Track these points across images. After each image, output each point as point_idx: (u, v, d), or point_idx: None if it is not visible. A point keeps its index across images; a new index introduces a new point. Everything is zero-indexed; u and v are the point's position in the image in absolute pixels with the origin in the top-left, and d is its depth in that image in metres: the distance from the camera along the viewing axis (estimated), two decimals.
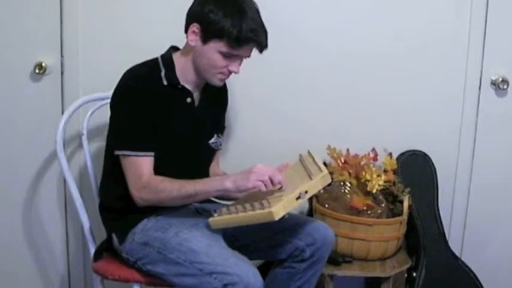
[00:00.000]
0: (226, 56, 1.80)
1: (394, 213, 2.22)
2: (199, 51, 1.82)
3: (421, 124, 2.40)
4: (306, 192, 1.70)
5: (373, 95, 2.37)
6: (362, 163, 2.25)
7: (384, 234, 2.16)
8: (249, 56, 1.85)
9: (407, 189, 2.23)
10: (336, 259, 2.13)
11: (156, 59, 1.89)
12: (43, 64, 2.25)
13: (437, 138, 2.41)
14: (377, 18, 2.32)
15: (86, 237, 2.06)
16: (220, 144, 2.04)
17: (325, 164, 2.19)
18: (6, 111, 2.32)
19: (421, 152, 2.38)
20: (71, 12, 2.24)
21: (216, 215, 1.80)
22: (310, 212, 2.29)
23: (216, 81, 1.88)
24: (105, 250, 1.94)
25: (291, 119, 2.37)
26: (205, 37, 1.79)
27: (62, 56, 2.28)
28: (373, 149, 2.30)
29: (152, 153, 1.82)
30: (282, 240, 1.89)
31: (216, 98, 2.01)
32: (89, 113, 2.13)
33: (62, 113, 2.17)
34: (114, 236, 1.88)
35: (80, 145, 2.25)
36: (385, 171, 2.25)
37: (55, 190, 2.39)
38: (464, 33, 2.33)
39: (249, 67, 1.88)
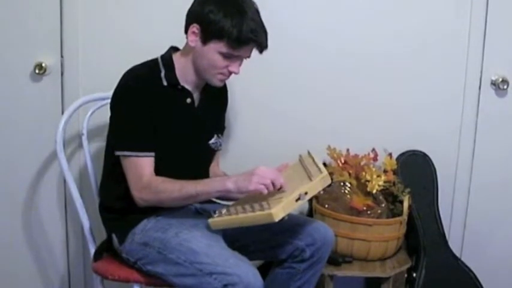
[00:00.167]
0: (226, 56, 1.80)
1: (394, 213, 2.22)
2: (199, 51, 1.82)
3: (421, 124, 2.40)
4: (306, 193, 1.70)
5: (373, 95, 2.37)
6: (362, 163, 2.25)
7: (384, 234, 2.16)
8: (249, 57, 1.85)
9: (407, 190, 2.23)
10: (336, 259, 2.13)
11: (156, 59, 1.89)
12: (43, 64, 2.25)
13: (437, 138, 2.41)
14: (377, 18, 2.32)
15: (86, 238, 2.06)
16: (220, 145, 2.04)
17: (325, 164, 2.20)
18: (6, 111, 2.31)
19: (421, 152, 2.38)
20: (71, 12, 2.24)
21: (215, 215, 1.80)
22: (310, 212, 2.29)
23: (216, 82, 1.88)
24: (105, 250, 1.94)
25: (291, 119, 2.37)
26: (205, 38, 1.79)
27: (62, 56, 2.28)
28: (373, 149, 2.30)
29: (153, 154, 1.82)
30: (282, 241, 1.89)
31: (216, 98, 2.01)
32: (89, 113, 2.13)
33: (62, 113, 2.17)
34: (114, 236, 1.89)
35: (80, 145, 2.25)
36: (385, 171, 2.25)
37: (55, 190, 2.39)
38: (464, 33, 2.33)
39: (249, 67, 1.88)
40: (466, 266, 2.36)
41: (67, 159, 2.08)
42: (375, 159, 2.28)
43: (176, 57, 1.89)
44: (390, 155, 2.31)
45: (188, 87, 1.89)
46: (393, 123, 2.40)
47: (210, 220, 1.78)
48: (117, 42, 2.27)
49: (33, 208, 2.40)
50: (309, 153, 1.97)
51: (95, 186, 2.10)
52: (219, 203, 2.00)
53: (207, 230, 1.80)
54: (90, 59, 2.28)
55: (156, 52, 1.91)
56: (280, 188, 1.73)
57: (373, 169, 2.22)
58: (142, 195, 1.79)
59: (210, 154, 2.03)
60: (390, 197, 2.24)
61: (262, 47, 1.81)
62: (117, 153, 1.82)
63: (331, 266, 2.11)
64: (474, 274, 2.36)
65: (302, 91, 2.36)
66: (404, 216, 2.19)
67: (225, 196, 1.89)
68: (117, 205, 1.88)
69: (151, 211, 1.85)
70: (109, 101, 1.88)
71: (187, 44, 1.85)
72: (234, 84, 2.13)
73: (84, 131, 2.12)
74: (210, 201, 2.00)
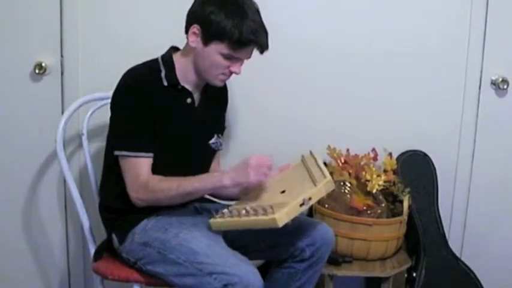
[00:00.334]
0: (227, 57, 1.80)
1: (394, 213, 2.22)
2: (200, 52, 1.82)
3: (421, 124, 2.40)
4: (310, 199, 1.69)
5: (373, 95, 2.37)
6: (362, 163, 2.25)
7: (383, 234, 2.16)
8: (249, 57, 1.85)
9: (407, 189, 2.23)
10: (336, 259, 2.13)
11: (156, 59, 1.89)
12: (43, 64, 2.25)
13: (437, 138, 2.41)
14: (377, 18, 2.32)
15: (86, 237, 2.06)
16: (221, 145, 2.04)
17: (325, 163, 2.19)
18: (6, 111, 2.31)
19: (421, 152, 2.38)
20: (71, 12, 2.24)
21: (217, 216, 1.79)
22: (310, 212, 2.29)
23: (217, 82, 1.88)
24: (105, 250, 1.94)
25: (291, 119, 2.37)
26: (207, 38, 1.79)
27: (62, 56, 2.28)
28: (373, 149, 2.30)
29: (151, 154, 1.82)
30: (281, 241, 1.89)
31: (216, 98, 2.01)
32: (89, 113, 2.13)
33: (62, 113, 2.17)
34: (114, 236, 1.89)
35: (80, 145, 2.25)
36: (385, 171, 2.25)
37: (55, 190, 2.39)
38: (465, 33, 2.33)
39: (249, 67, 1.88)
40: (466, 266, 2.36)
41: (67, 159, 2.07)
42: (375, 159, 2.28)
43: (176, 57, 1.89)
44: (390, 154, 2.31)
45: (188, 87, 1.89)
46: (393, 123, 2.40)
47: (211, 220, 1.78)
48: (117, 42, 2.27)
49: (33, 208, 2.40)
50: (311, 153, 1.97)
51: (95, 186, 2.10)
52: (219, 203, 2.00)
53: (207, 230, 1.80)
54: (90, 59, 2.28)
55: (156, 52, 1.91)
56: (284, 191, 1.72)
57: (373, 169, 2.22)
58: (139, 195, 1.79)
59: (210, 154, 2.03)
60: (390, 196, 2.25)
61: (263, 47, 1.81)
62: (116, 153, 1.83)
63: (331, 266, 2.11)
64: (474, 274, 2.36)
65: (302, 91, 2.36)
66: (404, 216, 2.19)
67: (223, 192, 1.88)
68: (117, 205, 1.88)
69: (151, 211, 1.85)
70: (109, 101, 1.88)
71: (187, 44, 1.85)
72: (234, 84, 2.13)
73: (84, 131, 2.12)
74: (210, 201, 2.00)
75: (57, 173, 2.36)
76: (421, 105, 2.39)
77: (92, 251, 2.01)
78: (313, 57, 2.33)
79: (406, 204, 2.20)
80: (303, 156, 1.98)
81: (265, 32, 1.80)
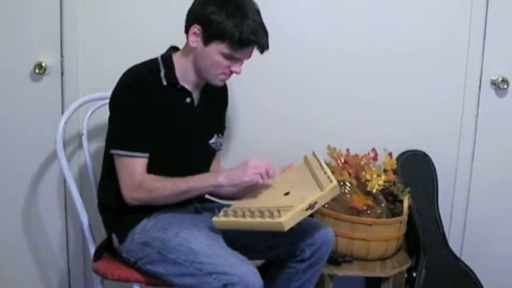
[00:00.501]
0: (227, 57, 1.80)
1: (394, 213, 2.22)
2: (201, 52, 1.82)
3: (421, 124, 2.40)
4: (315, 203, 1.69)
5: (373, 95, 2.37)
6: (362, 163, 2.25)
7: (383, 234, 2.16)
8: (249, 57, 1.85)
9: (407, 189, 2.23)
10: (336, 259, 2.13)
11: (156, 59, 1.89)
12: (43, 64, 2.25)
13: (437, 138, 2.41)
14: (377, 18, 2.32)
15: (86, 237, 2.06)
16: (221, 145, 2.04)
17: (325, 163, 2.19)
18: (6, 111, 2.31)
19: (421, 152, 2.38)
20: (71, 12, 2.24)
21: (220, 214, 1.78)
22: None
23: (217, 82, 1.88)
24: (105, 250, 1.94)
25: (291, 119, 2.37)
26: (207, 38, 1.79)
27: (62, 56, 2.28)
28: (373, 149, 2.30)
29: (147, 154, 1.82)
30: (281, 241, 1.89)
31: (216, 98, 2.01)
32: (89, 113, 2.13)
33: (62, 113, 2.17)
34: (114, 236, 1.89)
35: (80, 145, 2.25)
36: (385, 171, 2.25)
37: (55, 190, 2.39)
38: (465, 33, 2.33)
39: (249, 67, 1.88)
40: (466, 266, 2.36)
41: (67, 159, 2.08)
42: (375, 159, 2.28)
43: (176, 57, 1.89)
44: (390, 154, 2.31)
45: (188, 87, 1.89)
46: (393, 123, 2.40)
47: (214, 219, 1.77)
48: (117, 42, 2.27)
49: (33, 208, 2.40)
50: (314, 154, 1.97)
51: (94, 186, 2.10)
52: (219, 203, 2.00)
53: (208, 230, 1.80)
54: (90, 59, 2.28)
55: (156, 52, 1.91)
56: (288, 193, 1.72)
57: (373, 169, 2.22)
58: (134, 194, 1.80)
59: (210, 154, 2.03)
60: (390, 196, 2.24)
61: (263, 47, 1.81)
62: (112, 151, 1.83)
63: (331, 265, 2.11)
64: (474, 274, 2.36)
65: (302, 91, 2.36)
66: (404, 216, 2.19)
67: (220, 192, 1.89)
68: (116, 205, 1.88)
69: (151, 211, 1.85)
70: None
71: (187, 44, 1.85)
72: (234, 84, 2.13)
73: (84, 131, 2.12)
74: (210, 201, 2.00)
75: (57, 173, 2.36)
76: (421, 105, 2.39)
77: (92, 251, 2.01)
78: (313, 57, 2.33)
79: (406, 204, 2.20)
80: (305, 157, 1.98)
81: (265, 32, 1.80)
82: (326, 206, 2.18)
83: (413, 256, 2.32)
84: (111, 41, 2.28)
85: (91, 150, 2.15)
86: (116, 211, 1.89)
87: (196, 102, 1.93)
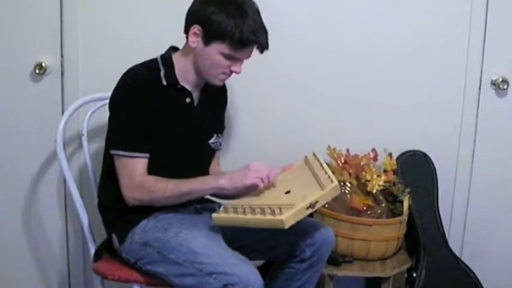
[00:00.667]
0: (228, 57, 1.80)
1: (394, 213, 2.22)
2: (201, 52, 1.82)
3: (421, 124, 2.40)
4: (316, 202, 1.69)
5: (373, 95, 2.37)
6: (362, 163, 2.25)
7: (383, 234, 2.16)
8: (249, 57, 1.85)
9: (407, 189, 2.23)
10: (336, 259, 2.13)
11: (156, 59, 1.89)
12: (43, 64, 2.25)
13: (437, 138, 2.41)
14: (377, 18, 2.32)
15: (86, 237, 2.06)
16: (220, 144, 2.04)
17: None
18: (6, 111, 2.31)
19: (421, 152, 2.38)
20: (71, 12, 2.24)
21: (221, 210, 1.79)
22: (310, 212, 2.29)
23: (217, 82, 1.88)
24: (105, 250, 1.94)
25: (291, 119, 2.37)
26: (207, 39, 1.79)
27: (62, 56, 2.28)
28: (373, 149, 2.30)
29: (147, 155, 1.82)
30: (281, 241, 1.89)
31: (215, 97, 2.01)
32: (89, 113, 2.13)
33: (62, 113, 2.17)
34: (114, 236, 1.88)
35: (80, 145, 2.25)
36: (385, 171, 2.25)
37: (55, 190, 2.39)
38: (465, 33, 2.33)
39: (249, 67, 1.88)
40: (466, 266, 2.36)
41: (67, 159, 2.08)
42: (375, 159, 2.28)
43: (176, 57, 1.89)
44: (390, 155, 2.31)
45: (187, 86, 1.89)
46: (393, 123, 2.40)
47: (214, 215, 1.77)
48: (117, 42, 2.27)
49: (33, 208, 2.40)
50: (314, 155, 1.97)
51: (94, 186, 2.10)
52: (219, 203, 2.00)
53: (207, 230, 1.80)
54: (90, 59, 2.28)
55: (156, 52, 1.91)
56: (288, 191, 1.73)
57: (373, 169, 2.22)
58: (135, 195, 1.80)
59: (209, 154, 2.03)
60: (390, 197, 2.24)
61: (263, 47, 1.81)
62: (112, 152, 1.83)
63: (331, 266, 2.11)
64: (474, 274, 2.36)
65: (302, 91, 2.36)
66: (405, 216, 2.19)
67: (221, 194, 1.89)
68: (116, 205, 1.88)
69: (151, 211, 1.85)
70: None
71: (187, 44, 1.85)
72: (234, 84, 2.13)
73: (84, 131, 2.12)
74: (210, 201, 2.00)
75: (57, 173, 2.36)
76: (421, 106, 2.39)
77: (92, 251, 2.01)
78: (313, 57, 2.33)
79: (406, 204, 2.20)
80: (306, 157, 1.98)
81: (265, 32, 1.81)
82: (326, 206, 2.18)
83: (413, 256, 2.33)
84: (111, 41, 2.28)
85: (91, 150, 2.15)
86: (116, 211, 1.89)
87: (196, 102, 1.93)
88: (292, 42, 2.30)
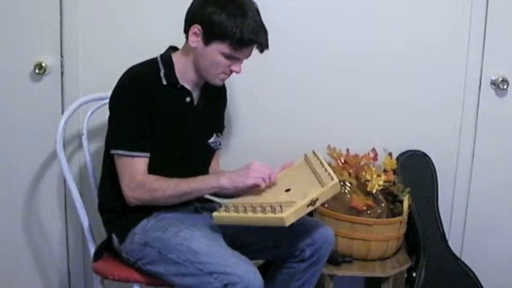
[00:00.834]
0: (228, 57, 1.80)
1: (394, 213, 2.22)
2: (201, 52, 1.82)
3: (421, 124, 2.40)
4: (317, 199, 1.69)
5: (373, 95, 2.37)
6: (362, 163, 2.25)
7: (383, 234, 2.16)
8: (249, 57, 1.85)
9: (407, 189, 2.23)
10: (336, 259, 2.13)
11: (155, 58, 1.89)
12: (43, 64, 2.25)
13: (437, 138, 2.41)
14: (377, 18, 2.32)
15: (86, 237, 2.06)
16: (220, 144, 2.04)
17: None
18: (6, 111, 2.32)
19: (421, 152, 2.38)
20: (71, 12, 2.24)
21: (221, 209, 1.79)
22: (310, 212, 2.28)
23: (217, 81, 1.88)
24: (105, 250, 1.94)
25: (291, 118, 2.37)
26: (207, 39, 1.79)
27: (62, 56, 2.28)
28: (373, 149, 2.30)
29: (147, 154, 1.82)
30: (281, 241, 1.89)
31: (215, 97, 2.01)
32: (89, 113, 2.13)
33: (62, 113, 2.17)
34: (114, 236, 1.88)
35: (80, 145, 2.25)
36: (385, 171, 2.25)
37: (55, 190, 2.39)
38: (464, 33, 2.33)
39: (249, 67, 1.88)
40: (466, 266, 2.36)
41: (67, 159, 2.08)
42: (375, 159, 2.28)
43: (176, 57, 1.89)
44: (390, 154, 2.31)
45: (187, 86, 1.89)
46: (393, 123, 2.40)
47: (215, 214, 1.77)
48: (117, 42, 2.27)
49: (33, 208, 2.40)
50: (314, 153, 1.97)
51: (94, 186, 2.10)
52: (218, 202, 2.00)
53: (208, 230, 1.81)
54: (90, 59, 2.28)
55: (156, 52, 1.92)
56: (288, 189, 1.73)
57: (373, 169, 2.22)
58: (135, 194, 1.80)
59: (209, 153, 2.03)
60: (390, 196, 2.24)
61: (263, 47, 1.81)
62: (112, 151, 1.83)
63: (331, 265, 2.11)
64: (474, 274, 2.36)
65: (302, 91, 2.36)
66: (404, 216, 2.19)
67: (221, 193, 1.89)
68: (116, 205, 1.88)
69: (151, 210, 1.85)
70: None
71: (187, 43, 1.85)
72: (234, 84, 2.13)
73: (84, 131, 2.12)
74: (210, 201, 2.00)
75: (57, 173, 2.36)
76: (421, 105, 2.39)
77: (92, 251, 2.01)
78: (313, 57, 2.33)
79: (406, 204, 2.20)
80: (306, 156, 1.98)
81: (265, 32, 1.81)
82: (326, 205, 2.18)
83: (413, 256, 2.32)
84: (111, 41, 2.28)
85: (91, 150, 2.15)
86: (116, 211, 1.89)
87: (196, 101, 1.93)
88: (292, 42, 2.30)
